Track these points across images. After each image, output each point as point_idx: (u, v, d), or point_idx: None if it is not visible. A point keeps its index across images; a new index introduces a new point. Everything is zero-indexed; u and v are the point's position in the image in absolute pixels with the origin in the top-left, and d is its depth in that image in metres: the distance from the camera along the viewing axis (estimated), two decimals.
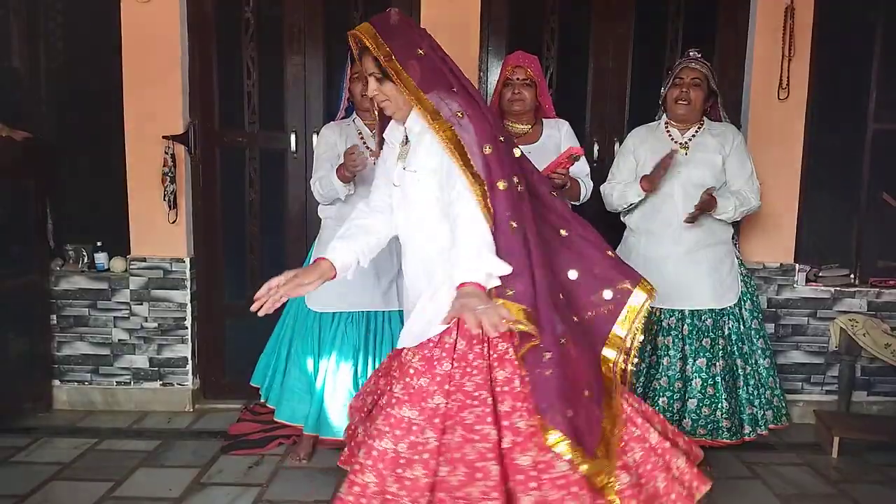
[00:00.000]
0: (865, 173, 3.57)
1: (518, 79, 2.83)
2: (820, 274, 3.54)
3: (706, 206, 2.80)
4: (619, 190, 2.95)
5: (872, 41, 3.50)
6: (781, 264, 3.50)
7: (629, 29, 3.51)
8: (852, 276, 3.57)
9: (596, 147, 3.51)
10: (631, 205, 2.95)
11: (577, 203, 2.94)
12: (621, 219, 3.09)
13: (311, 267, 1.93)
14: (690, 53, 2.94)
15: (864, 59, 3.52)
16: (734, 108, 3.48)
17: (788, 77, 3.37)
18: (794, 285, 3.51)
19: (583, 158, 2.93)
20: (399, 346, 1.99)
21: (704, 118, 2.98)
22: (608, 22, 3.50)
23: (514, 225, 1.77)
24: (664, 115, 3.01)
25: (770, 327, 3.48)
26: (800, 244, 3.52)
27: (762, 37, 3.39)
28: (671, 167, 2.79)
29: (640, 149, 2.98)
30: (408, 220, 2.00)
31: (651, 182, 2.82)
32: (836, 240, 3.65)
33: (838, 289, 3.52)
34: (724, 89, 3.49)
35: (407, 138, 2.02)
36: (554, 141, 2.86)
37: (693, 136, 2.94)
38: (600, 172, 3.23)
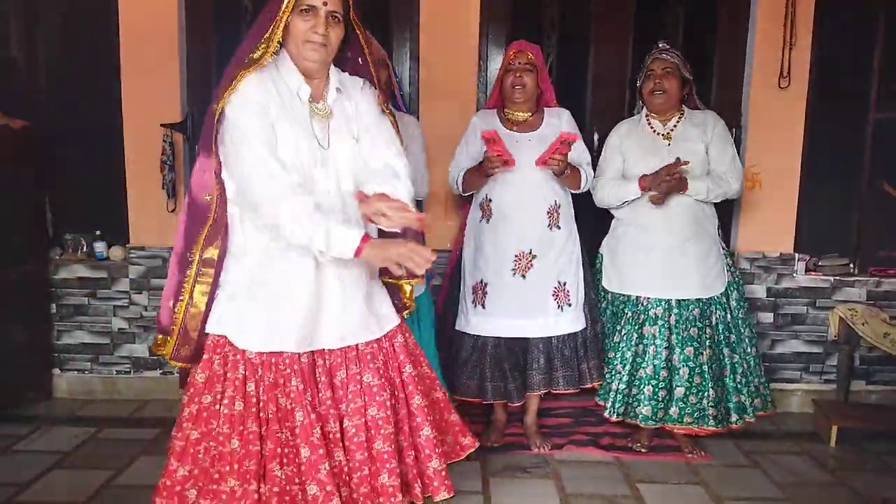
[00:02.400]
0: (866, 162, 3.56)
1: (519, 63, 2.83)
2: (819, 263, 3.54)
3: (672, 189, 2.81)
4: (614, 188, 2.95)
5: (874, 30, 3.48)
6: (781, 253, 3.50)
7: (629, 17, 3.49)
8: (852, 265, 3.57)
9: (596, 136, 3.50)
10: (625, 202, 2.95)
11: (578, 191, 2.94)
12: (610, 209, 3.09)
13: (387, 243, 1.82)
14: (659, 45, 2.96)
15: (865, 48, 3.50)
16: (734, 97, 3.46)
17: (789, 65, 3.35)
18: (794, 274, 3.51)
19: (583, 147, 2.94)
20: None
21: (684, 107, 2.99)
22: (608, 11, 3.48)
23: None
24: (644, 108, 3.02)
25: (769, 316, 3.49)
26: (800, 233, 3.52)
27: (763, 25, 3.37)
28: (675, 173, 2.79)
29: (625, 143, 2.99)
30: (336, 189, 1.88)
31: (652, 183, 2.82)
32: (835, 229, 3.64)
33: (838, 278, 3.52)
34: (724, 78, 3.50)
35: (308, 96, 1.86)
36: (554, 129, 2.85)
37: (675, 126, 2.94)
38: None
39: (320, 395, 1.88)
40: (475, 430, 3.09)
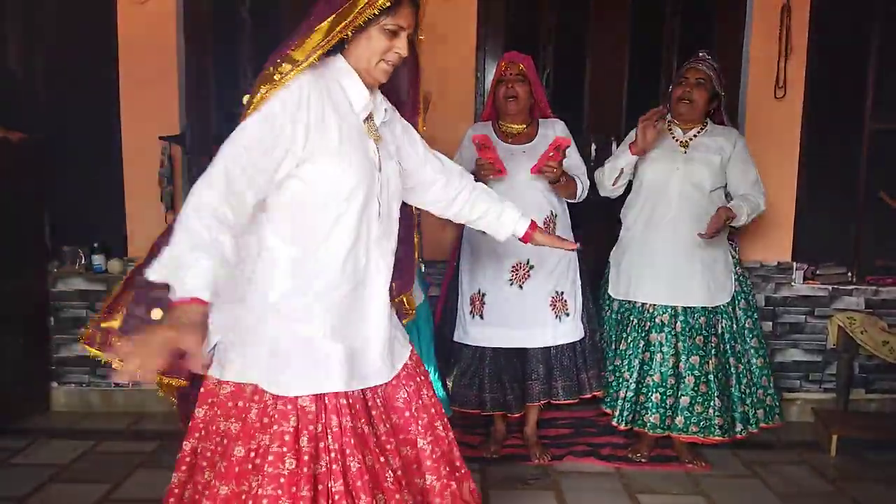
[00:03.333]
0: (863, 172, 3.57)
1: (511, 74, 2.84)
2: (817, 272, 3.55)
3: (720, 221, 2.74)
4: (610, 164, 2.93)
5: (869, 40, 3.50)
6: (779, 262, 3.51)
7: (626, 29, 3.52)
8: (850, 274, 3.58)
9: (593, 146, 3.52)
10: (621, 171, 2.89)
11: (575, 201, 2.94)
12: (619, 216, 3.09)
13: None
14: (700, 54, 2.94)
15: (860, 58, 3.52)
16: (731, 107, 3.48)
17: (785, 76, 3.37)
18: (792, 283, 3.52)
19: (579, 158, 2.94)
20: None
21: (708, 120, 2.99)
22: (605, 22, 3.50)
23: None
24: (668, 114, 3.02)
25: (768, 325, 3.49)
26: (797, 242, 3.53)
27: (759, 36, 3.39)
28: (660, 125, 2.78)
29: None
30: (387, 214, 1.71)
31: (640, 145, 2.79)
32: (833, 238, 3.65)
33: (836, 287, 3.52)
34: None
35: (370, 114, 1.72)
36: (549, 140, 2.85)
37: (695, 135, 2.95)
38: None
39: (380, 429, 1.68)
40: (474, 441, 3.09)
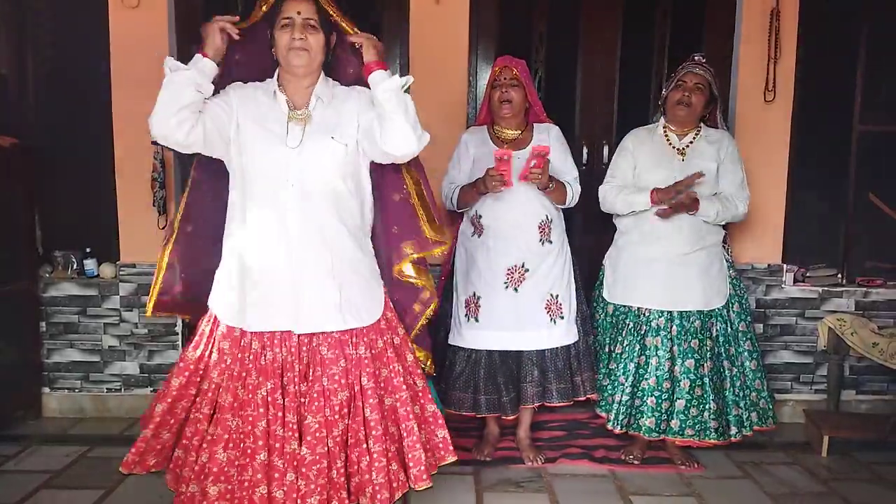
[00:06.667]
0: (852, 174, 3.60)
1: (505, 78, 2.86)
2: (808, 274, 3.57)
3: (681, 207, 2.83)
4: (624, 196, 2.94)
5: (857, 43, 3.54)
6: (769, 265, 3.53)
7: (617, 33, 3.53)
8: (840, 275, 3.60)
9: (585, 150, 3.53)
10: (633, 211, 2.96)
11: (564, 206, 2.95)
12: (613, 220, 3.10)
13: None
14: (695, 58, 2.96)
15: (849, 61, 3.56)
16: (721, 110, 3.50)
17: (774, 79, 3.40)
18: (782, 285, 3.54)
19: (571, 163, 2.95)
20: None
21: (701, 124, 3.00)
22: (596, 26, 3.52)
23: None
24: (662, 119, 3.03)
25: (759, 327, 3.50)
26: (787, 245, 3.55)
27: (748, 39, 3.42)
28: (689, 187, 2.82)
29: (638, 150, 2.99)
30: (307, 190, 2.04)
31: (663, 197, 2.84)
32: (823, 240, 3.68)
33: (826, 289, 3.55)
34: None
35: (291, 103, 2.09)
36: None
37: (691, 142, 2.96)
38: (589, 176, 3.26)
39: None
40: (468, 444, 3.10)
